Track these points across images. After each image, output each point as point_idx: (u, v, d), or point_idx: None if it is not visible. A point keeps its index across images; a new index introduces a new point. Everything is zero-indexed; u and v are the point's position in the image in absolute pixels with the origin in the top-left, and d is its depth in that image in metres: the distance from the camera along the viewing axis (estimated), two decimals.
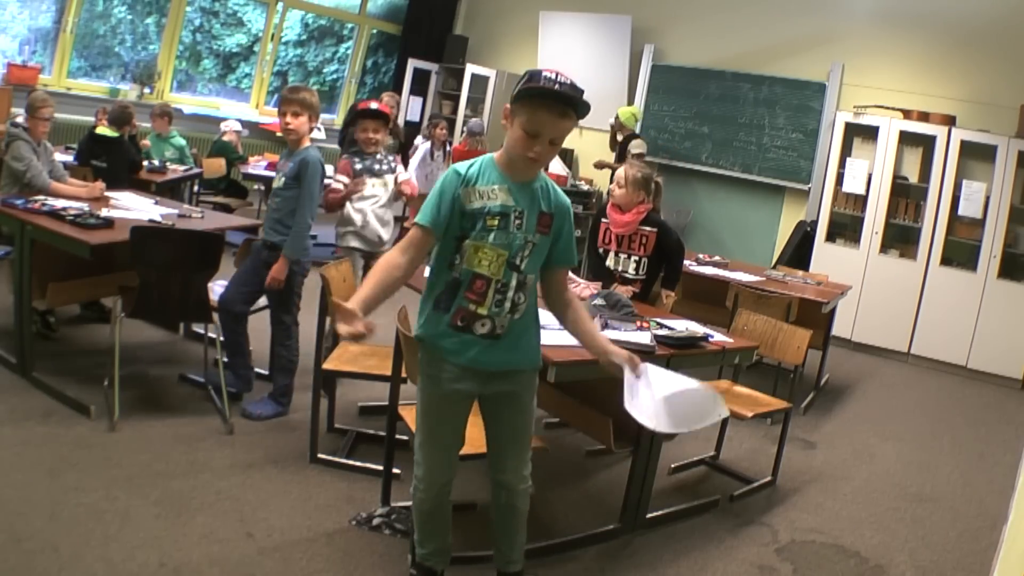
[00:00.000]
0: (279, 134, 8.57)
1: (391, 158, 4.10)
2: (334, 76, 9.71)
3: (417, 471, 2.23)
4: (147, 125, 6.79)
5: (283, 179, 3.44)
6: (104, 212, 3.69)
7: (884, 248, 6.60)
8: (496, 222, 2.03)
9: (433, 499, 2.23)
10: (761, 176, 7.45)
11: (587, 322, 2.27)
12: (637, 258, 3.82)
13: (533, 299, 2.18)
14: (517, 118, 2.02)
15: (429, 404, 2.20)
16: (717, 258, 5.54)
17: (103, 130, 5.30)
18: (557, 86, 1.97)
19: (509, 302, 2.08)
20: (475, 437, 2.29)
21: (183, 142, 6.64)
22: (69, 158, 5.31)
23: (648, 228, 3.81)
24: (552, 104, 1.98)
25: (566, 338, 2.32)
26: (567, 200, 2.19)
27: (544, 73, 2.00)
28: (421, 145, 7.32)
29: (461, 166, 2.10)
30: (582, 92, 2.03)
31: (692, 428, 2.23)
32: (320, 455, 3.14)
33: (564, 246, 2.18)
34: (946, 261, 6.39)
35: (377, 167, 3.98)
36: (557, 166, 8.35)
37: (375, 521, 2.74)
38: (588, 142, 8.49)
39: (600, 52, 8.36)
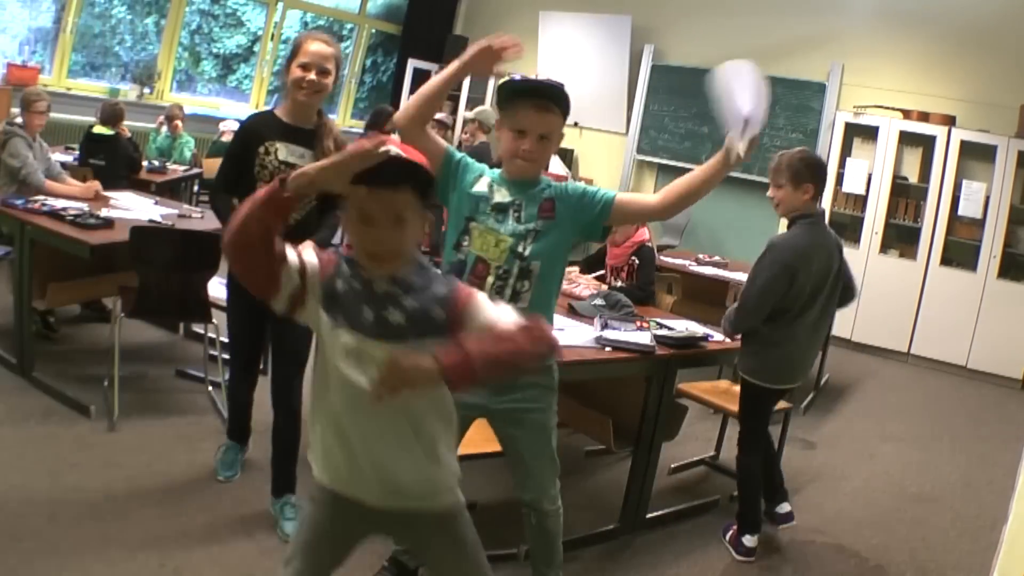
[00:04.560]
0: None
1: None
2: None
3: None
4: (142, 125, 6.82)
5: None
6: (104, 212, 3.69)
7: (884, 248, 6.60)
8: (494, 214, 2.06)
9: None
10: (761, 176, 7.40)
11: (687, 177, 2.10)
12: (622, 282, 3.95)
13: (541, 294, 2.08)
14: (504, 121, 2.06)
15: None
16: (717, 258, 5.54)
17: (100, 129, 5.32)
18: (535, 83, 2.00)
19: (510, 289, 2.04)
20: (474, 437, 2.29)
21: (192, 145, 6.79)
22: (69, 158, 5.32)
23: (635, 258, 3.94)
24: (529, 98, 2.00)
25: (565, 338, 2.32)
26: (575, 183, 2.17)
27: (522, 75, 2.03)
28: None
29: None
30: (562, 86, 2.04)
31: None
32: None
33: (594, 200, 2.10)
34: (946, 261, 6.38)
35: None
36: (557, 166, 8.34)
37: None
38: (588, 142, 8.50)
39: (600, 52, 8.36)
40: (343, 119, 9.39)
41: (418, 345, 1.42)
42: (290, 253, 1.46)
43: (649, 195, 2.21)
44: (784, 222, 2.92)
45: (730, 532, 2.97)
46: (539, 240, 2.05)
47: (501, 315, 1.49)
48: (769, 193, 2.93)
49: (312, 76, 2.53)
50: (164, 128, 6.73)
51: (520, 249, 2.04)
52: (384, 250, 1.46)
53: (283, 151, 2.54)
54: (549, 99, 2.01)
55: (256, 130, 2.59)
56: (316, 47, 2.54)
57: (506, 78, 2.05)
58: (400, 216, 1.45)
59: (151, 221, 3.69)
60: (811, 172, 2.80)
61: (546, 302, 2.12)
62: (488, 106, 6.59)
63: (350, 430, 1.50)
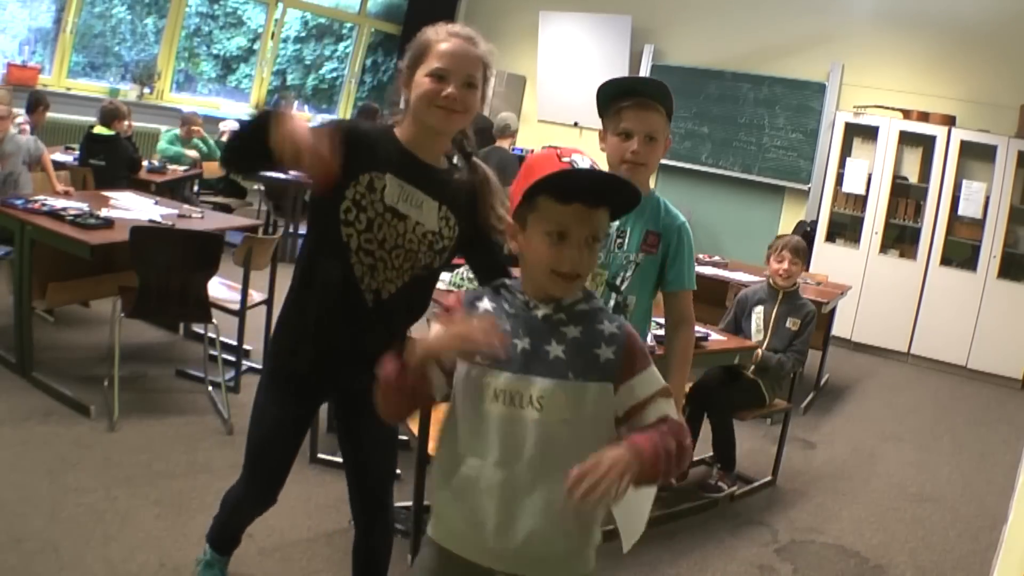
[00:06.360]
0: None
1: None
2: (333, 75, 9.72)
3: None
4: (142, 125, 6.81)
5: None
6: (104, 212, 3.69)
7: (884, 248, 6.60)
8: None
9: None
10: (761, 176, 7.45)
11: (674, 357, 2.03)
12: None
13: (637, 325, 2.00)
14: (609, 128, 1.96)
15: None
16: (717, 258, 5.54)
17: (100, 129, 5.32)
18: (634, 80, 1.94)
19: None
20: None
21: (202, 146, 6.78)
22: (70, 158, 5.33)
23: None
24: (631, 97, 1.91)
25: None
26: (681, 220, 2.03)
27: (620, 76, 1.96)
28: None
29: None
30: (666, 87, 1.97)
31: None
32: (320, 455, 3.14)
33: (675, 267, 2.00)
34: (946, 261, 6.38)
35: None
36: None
37: None
38: (588, 142, 8.49)
39: (600, 52, 8.35)
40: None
41: (580, 386, 1.29)
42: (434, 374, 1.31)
43: (681, 319, 2.05)
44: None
45: (717, 478, 3.43)
46: (637, 274, 1.96)
47: (660, 399, 1.32)
48: (785, 266, 3.66)
49: (451, 89, 1.64)
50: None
51: (617, 283, 1.95)
52: (574, 272, 1.30)
53: (393, 191, 1.67)
54: (651, 97, 1.91)
55: (368, 144, 1.68)
56: (454, 47, 1.68)
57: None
58: (596, 237, 1.31)
59: (151, 221, 3.69)
60: None
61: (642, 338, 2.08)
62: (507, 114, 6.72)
63: (494, 488, 1.29)
